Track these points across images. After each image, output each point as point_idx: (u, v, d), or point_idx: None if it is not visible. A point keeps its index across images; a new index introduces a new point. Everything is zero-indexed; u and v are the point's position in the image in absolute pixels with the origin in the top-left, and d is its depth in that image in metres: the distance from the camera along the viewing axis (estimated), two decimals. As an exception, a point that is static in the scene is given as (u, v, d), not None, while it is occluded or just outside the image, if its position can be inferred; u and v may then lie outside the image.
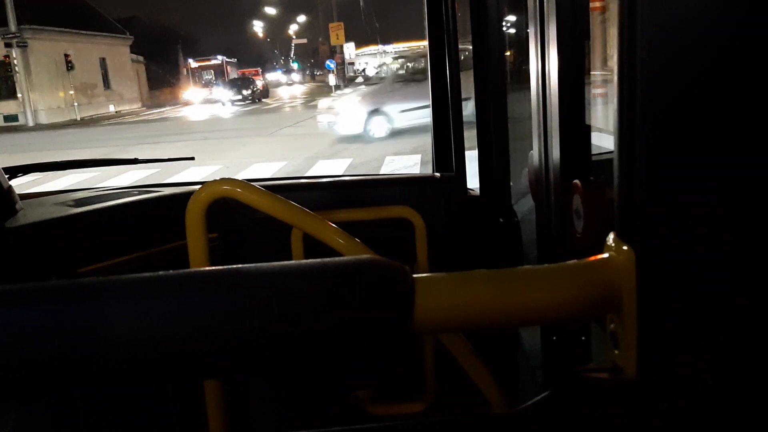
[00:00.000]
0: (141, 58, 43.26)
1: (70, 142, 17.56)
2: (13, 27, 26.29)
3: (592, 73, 1.00)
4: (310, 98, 32.64)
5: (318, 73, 65.46)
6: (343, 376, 1.73)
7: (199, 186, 1.18)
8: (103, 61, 36.50)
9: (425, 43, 1.96)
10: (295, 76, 65.36)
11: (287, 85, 56.16)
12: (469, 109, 1.78)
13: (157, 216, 1.72)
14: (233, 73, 45.61)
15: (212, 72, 44.42)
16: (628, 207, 0.50)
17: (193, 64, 45.18)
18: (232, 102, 33.02)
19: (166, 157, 2.36)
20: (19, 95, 28.24)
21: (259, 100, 34.49)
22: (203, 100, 38.43)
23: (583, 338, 1.02)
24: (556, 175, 1.00)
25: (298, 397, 1.83)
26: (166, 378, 0.65)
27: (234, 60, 50.98)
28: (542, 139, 1.05)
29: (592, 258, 0.54)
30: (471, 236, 1.79)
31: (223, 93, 34.48)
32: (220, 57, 45.91)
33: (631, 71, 0.47)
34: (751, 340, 0.47)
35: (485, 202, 1.77)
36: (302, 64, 71.37)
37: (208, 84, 42.60)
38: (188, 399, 1.51)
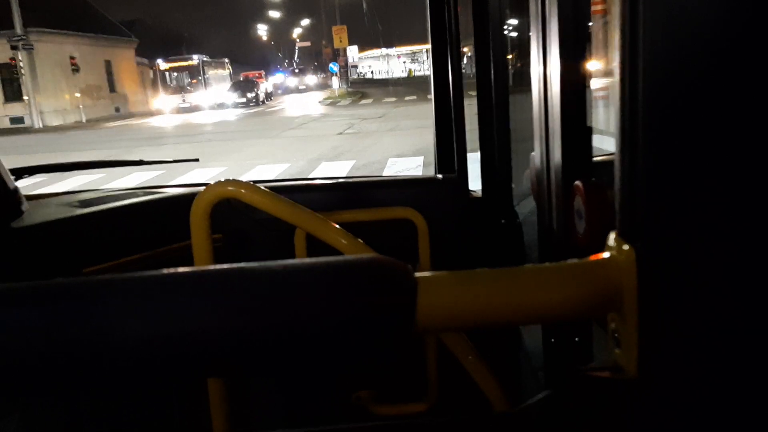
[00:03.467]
0: (146, 60, 43.15)
1: (73, 144, 17.65)
2: (18, 29, 26.39)
3: (593, 75, 1.00)
4: (315, 101, 32.76)
5: (321, 76, 65.01)
6: (345, 375, 1.73)
7: (203, 187, 1.19)
8: (108, 63, 36.57)
9: (428, 46, 1.96)
10: (309, 80, 58.42)
11: (298, 92, 49.81)
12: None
13: (162, 217, 1.73)
14: (220, 75, 38.72)
15: (188, 74, 35.54)
16: (629, 206, 0.50)
17: (161, 65, 35.74)
18: (235, 105, 32.97)
19: (171, 159, 2.37)
20: (25, 97, 28.33)
21: (263, 102, 34.48)
22: (175, 109, 32.72)
23: (584, 338, 1.02)
24: (557, 177, 1.00)
25: (301, 397, 1.83)
26: (169, 376, 0.65)
27: (224, 60, 42.07)
28: (544, 140, 1.05)
29: (594, 257, 0.54)
30: (473, 237, 1.79)
31: (226, 96, 33.91)
32: (196, 56, 36.63)
33: (632, 73, 0.48)
34: (752, 339, 0.47)
35: (487, 203, 1.78)
36: (306, 66, 70.67)
37: (180, 89, 35.04)
38: (191, 398, 1.52)
